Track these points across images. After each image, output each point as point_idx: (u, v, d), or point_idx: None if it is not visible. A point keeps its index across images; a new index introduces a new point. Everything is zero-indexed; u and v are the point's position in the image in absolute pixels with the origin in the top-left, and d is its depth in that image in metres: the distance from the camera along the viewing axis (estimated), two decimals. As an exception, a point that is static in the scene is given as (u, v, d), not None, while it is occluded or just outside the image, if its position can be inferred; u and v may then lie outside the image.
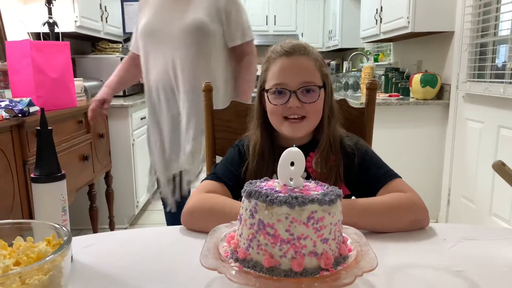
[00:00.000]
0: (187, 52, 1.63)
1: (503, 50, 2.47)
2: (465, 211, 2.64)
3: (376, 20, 3.31)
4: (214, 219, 0.74)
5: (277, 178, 0.63)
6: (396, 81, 3.30)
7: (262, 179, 0.65)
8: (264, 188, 0.60)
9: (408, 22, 2.72)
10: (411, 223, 0.83)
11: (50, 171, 0.69)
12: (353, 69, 4.55)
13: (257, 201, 0.57)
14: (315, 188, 0.61)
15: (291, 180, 0.61)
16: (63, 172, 0.71)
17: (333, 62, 5.67)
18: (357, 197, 0.99)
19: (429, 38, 3.00)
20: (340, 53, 5.79)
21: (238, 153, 1.05)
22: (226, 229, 0.68)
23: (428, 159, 2.89)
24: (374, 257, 0.58)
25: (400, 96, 3.12)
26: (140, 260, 0.72)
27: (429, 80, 2.78)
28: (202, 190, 0.92)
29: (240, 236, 0.60)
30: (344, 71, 5.08)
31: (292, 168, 0.61)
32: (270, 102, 0.98)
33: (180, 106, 1.69)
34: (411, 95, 3.01)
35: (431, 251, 0.74)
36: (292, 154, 0.60)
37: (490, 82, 2.40)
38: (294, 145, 0.63)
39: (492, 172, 2.27)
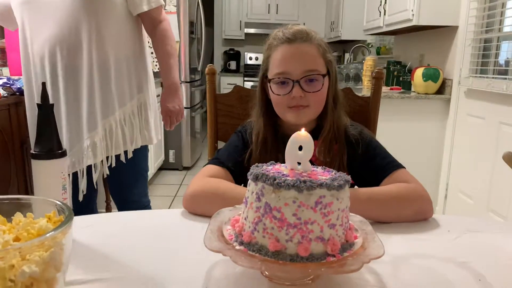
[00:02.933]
0: (79, 21, 1.37)
1: (506, 46, 2.46)
2: (462, 206, 2.65)
3: (380, 12, 3.28)
4: (216, 203, 0.72)
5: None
6: (398, 75, 3.28)
7: (268, 163, 0.64)
8: (271, 171, 0.59)
9: (413, 15, 2.69)
10: (415, 213, 0.82)
11: (50, 147, 0.68)
12: (354, 61, 4.53)
13: (264, 184, 0.56)
14: (322, 174, 0.60)
15: (298, 165, 0.60)
16: (64, 149, 0.69)
17: (334, 54, 5.64)
18: (360, 186, 0.98)
19: (432, 32, 2.98)
20: (342, 45, 5.75)
21: (241, 139, 1.03)
22: (230, 213, 0.67)
23: (427, 153, 2.88)
24: (380, 244, 0.57)
25: (402, 90, 3.10)
26: (141, 242, 0.71)
27: (431, 75, 2.76)
28: (205, 174, 0.90)
29: (245, 219, 0.59)
30: (345, 63, 5.06)
31: (300, 152, 0.59)
32: (273, 92, 0.97)
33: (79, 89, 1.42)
34: (412, 89, 2.99)
35: (435, 242, 0.74)
36: (301, 138, 0.59)
37: (493, 78, 2.39)
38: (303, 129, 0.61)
39: (491, 168, 2.31)
